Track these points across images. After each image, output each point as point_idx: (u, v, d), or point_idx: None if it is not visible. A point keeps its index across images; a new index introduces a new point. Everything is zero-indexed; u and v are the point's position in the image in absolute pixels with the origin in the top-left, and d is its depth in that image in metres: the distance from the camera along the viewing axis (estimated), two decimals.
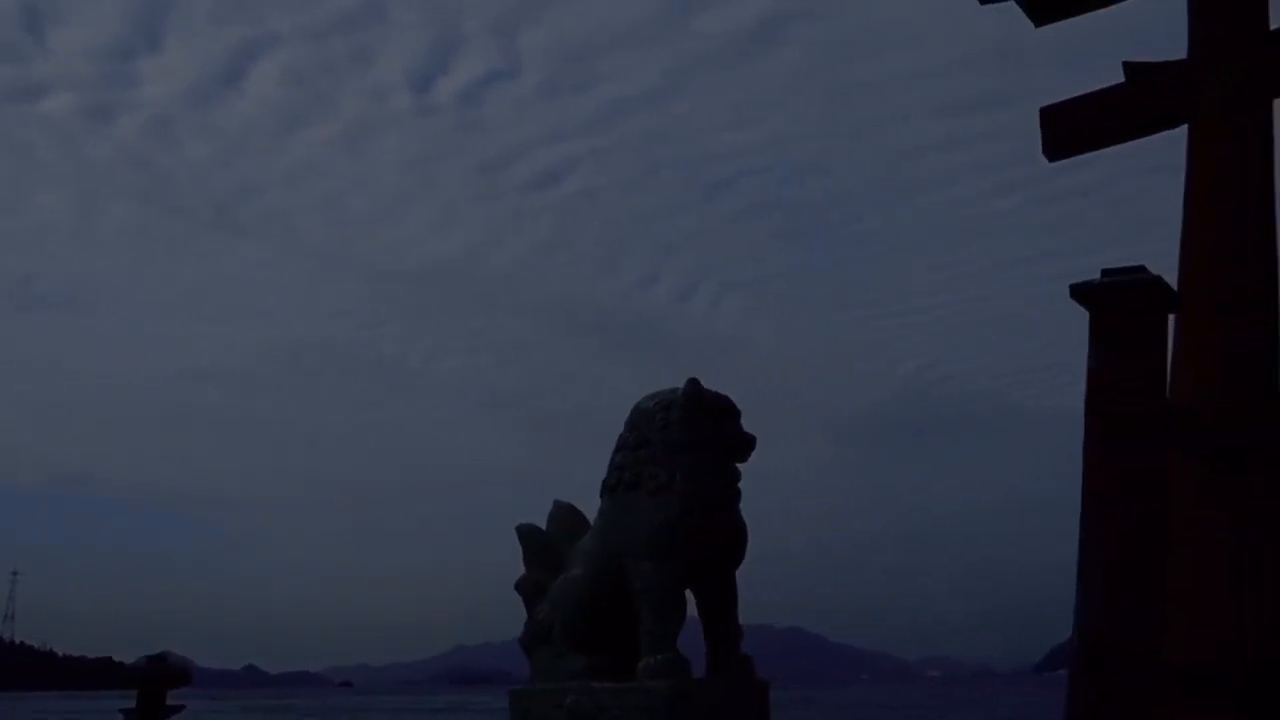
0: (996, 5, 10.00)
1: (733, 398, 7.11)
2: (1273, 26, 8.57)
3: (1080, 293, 6.41)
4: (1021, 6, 9.77)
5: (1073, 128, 9.27)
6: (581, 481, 7.97)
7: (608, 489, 7.27)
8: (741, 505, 7.04)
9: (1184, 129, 8.74)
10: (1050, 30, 10.31)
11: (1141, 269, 6.53)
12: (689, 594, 7.16)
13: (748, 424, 7.07)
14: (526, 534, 8.12)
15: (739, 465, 7.05)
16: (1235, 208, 8.20)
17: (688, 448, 6.81)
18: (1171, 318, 7.48)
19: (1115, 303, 6.30)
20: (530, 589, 7.95)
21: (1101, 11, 9.99)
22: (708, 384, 6.99)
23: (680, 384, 7.10)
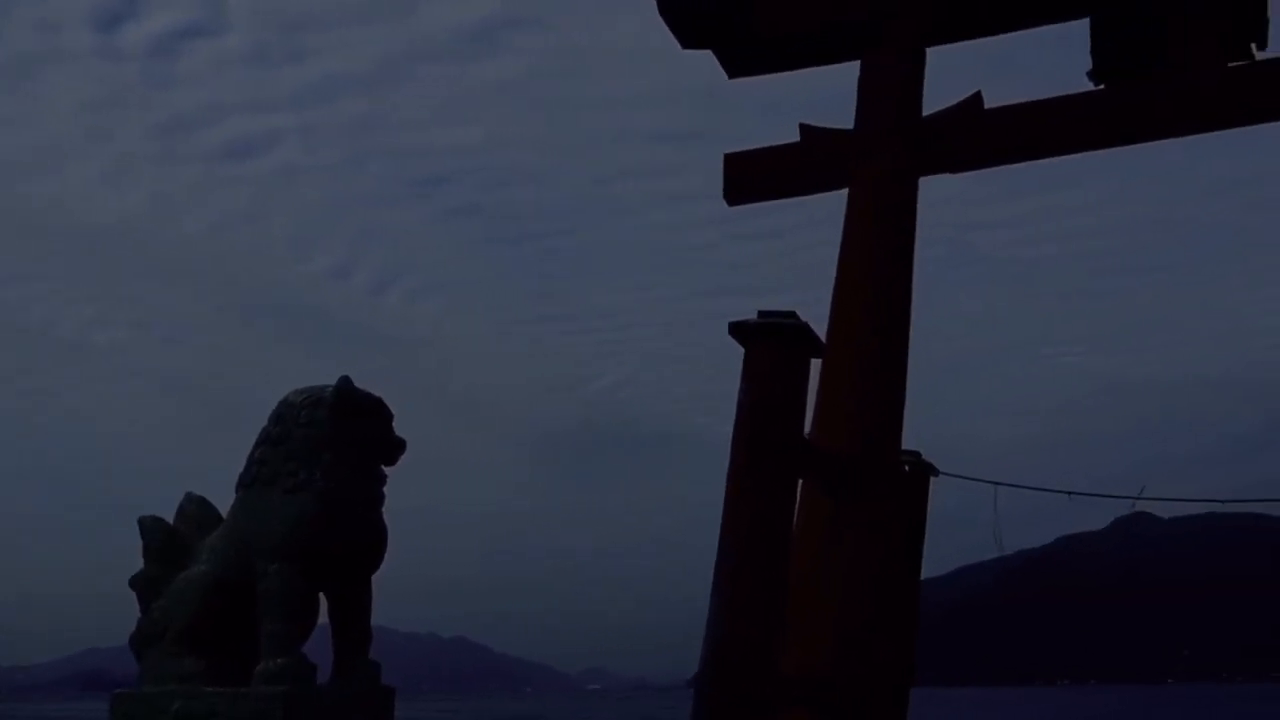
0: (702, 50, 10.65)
1: (384, 399, 6.97)
2: (925, 113, 9.71)
3: (736, 330, 6.94)
4: (718, 57, 10.48)
5: (751, 177, 10.03)
6: (235, 475, 7.66)
7: (243, 484, 6.97)
8: (402, 510, 6.99)
9: (845, 192, 9.69)
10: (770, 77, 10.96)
11: (793, 315, 7.15)
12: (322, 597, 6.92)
13: (420, 428, 7.06)
14: (149, 527, 7.61)
15: (386, 469, 6.92)
16: (879, 272, 9.13)
17: (331, 446, 6.62)
18: (818, 362, 8.29)
19: (765, 342, 6.87)
20: (144, 585, 7.47)
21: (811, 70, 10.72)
22: (388, 385, 6.88)
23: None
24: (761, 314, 7.13)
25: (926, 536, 10.94)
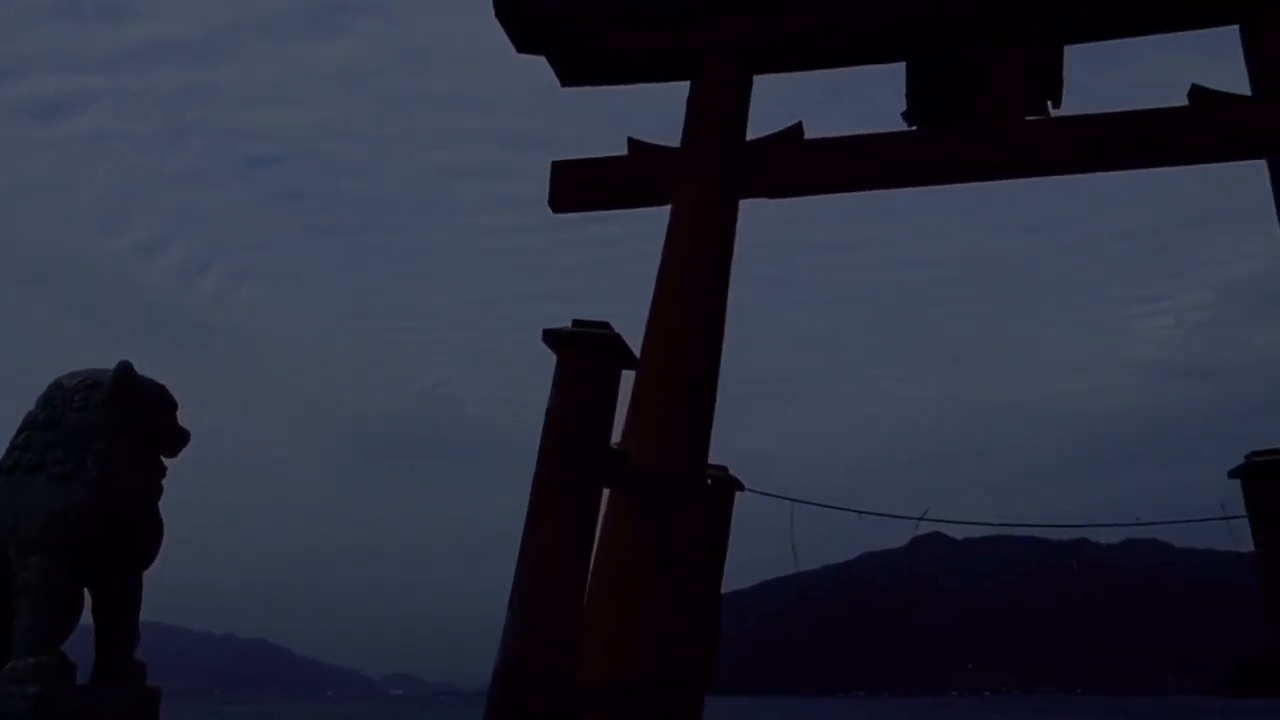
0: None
1: (169, 388, 6.64)
2: (750, 138, 9.99)
3: (549, 337, 6.97)
4: (551, 64, 10.50)
5: (577, 186, 10.09)
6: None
7: (4, 470, 6.49)
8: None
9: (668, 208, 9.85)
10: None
11: (606, 325, 7.24)
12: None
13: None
14: None
15: (166, 460, 6.59)
16: (695, 289, 9.34)
17: (105, 434, 6.27)
18: (631, 373, 8.40)
19: (576, 351, 6.93)
20: None
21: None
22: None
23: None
24: (576, 323, 7.20)
25: (734, 549, 11.27)
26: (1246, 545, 10.88)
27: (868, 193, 10.30)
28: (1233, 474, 11.07)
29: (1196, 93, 9.30)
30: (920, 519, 10.47)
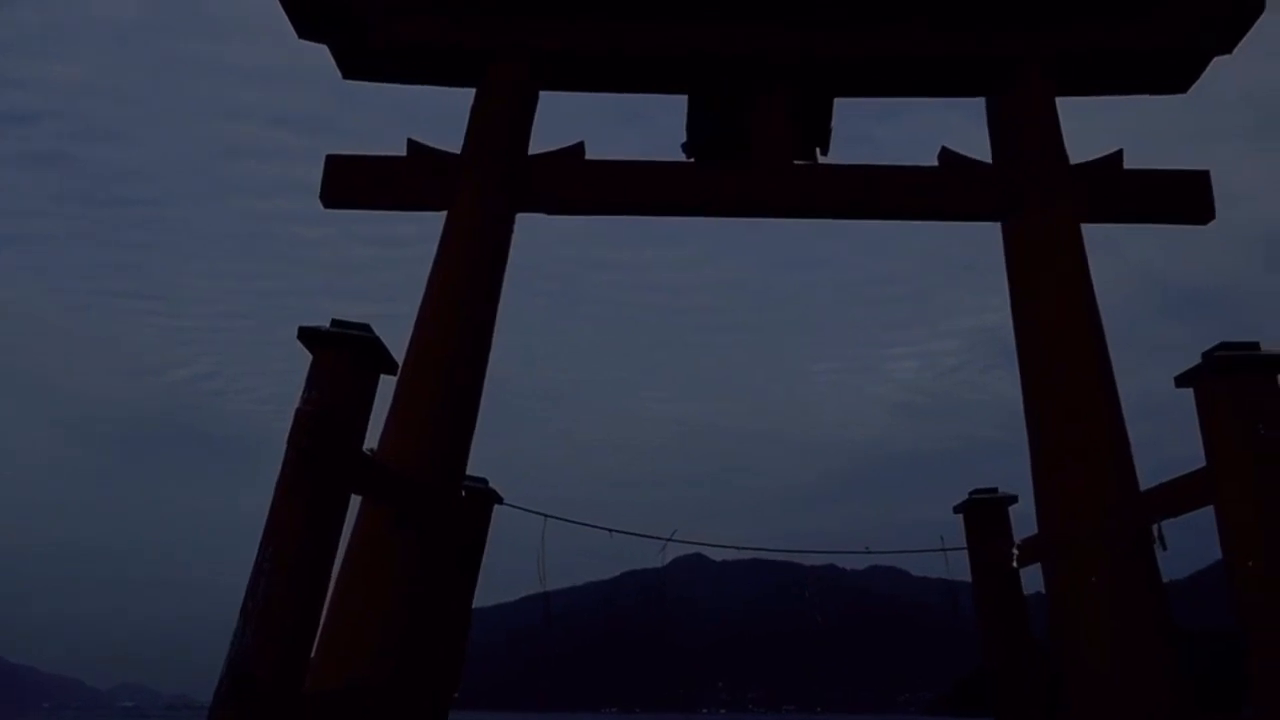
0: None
1: None
2: (532, 152, 10.00)
3: (305, 335, 6.71)
4: (333, 55, 10.19)
5: (352, 183, 9.78)
6: None
7: None
8: None
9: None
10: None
11: (366, 327, 7.03)
12: None
13: None
14: None
15: None
16: (465, 299, 9.26)
17: None
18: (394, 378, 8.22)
19: (333, 351, 6.70)
20: None
21: None
22: None
23: None
24: (335, 322, 6.96)
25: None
26: (963, 575, 11.82)
27: (657, 218, 10.58)
28: (956, 509, 12.00)
29: (945, 155, 10.07)
30: (668, 540, 10.74)
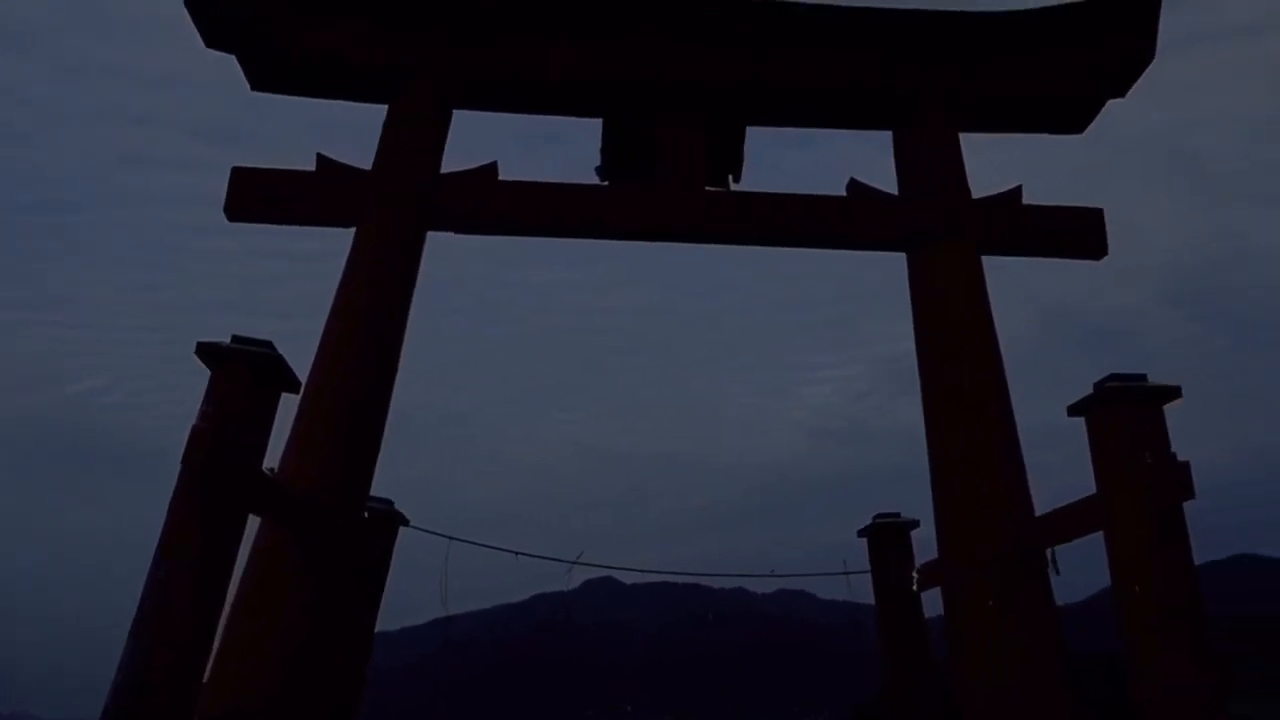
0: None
1: None
2: (444, 171, 9.91)
3: (204, 352, 6.54)
4: (240, 66, 9.97)
5: (257, 196, 9.51)
6: None
7: None
8: None
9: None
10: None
11: (268, 344, 6.87)
12: None
13: None
14: None
15: None
16: (371, 317, 9.08)
17: None
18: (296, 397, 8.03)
19: (232, 368, 6.53)
20: None
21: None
22: None
23: None
24: (235, 338, 6.80)
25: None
26: (867, 598, 11.99)
27: (569, 239, 10.52)
28: (861, 533, 12.17)
29: (853, 186, 10.27)
30: (574, 562, 10.70)
